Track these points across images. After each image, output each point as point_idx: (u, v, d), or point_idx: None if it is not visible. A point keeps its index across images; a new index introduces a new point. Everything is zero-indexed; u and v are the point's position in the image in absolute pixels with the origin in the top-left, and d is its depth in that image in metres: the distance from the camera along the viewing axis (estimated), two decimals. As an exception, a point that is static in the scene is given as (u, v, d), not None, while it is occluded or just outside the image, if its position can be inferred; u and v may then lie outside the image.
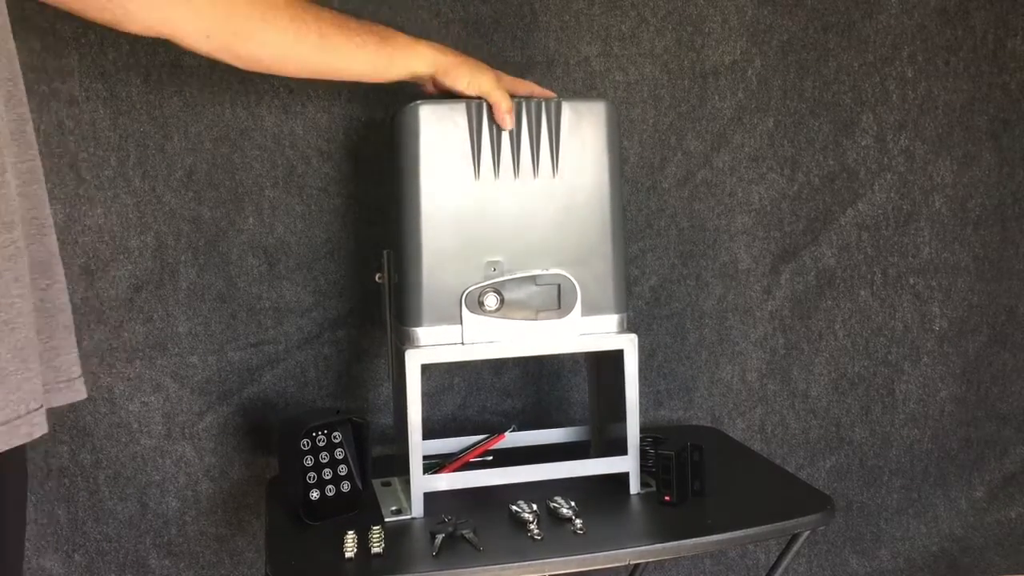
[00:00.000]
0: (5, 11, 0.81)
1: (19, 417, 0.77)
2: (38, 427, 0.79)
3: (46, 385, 0.85)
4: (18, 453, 0.82)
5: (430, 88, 1.14)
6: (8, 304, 0.77)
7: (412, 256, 1.09)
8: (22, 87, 0.84)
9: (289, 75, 1.10)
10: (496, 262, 1.10)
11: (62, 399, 0.88)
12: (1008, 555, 1.64)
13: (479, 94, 1.10)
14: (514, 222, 1.10)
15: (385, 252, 1.20)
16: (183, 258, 1.31)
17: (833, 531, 1.60)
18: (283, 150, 1.33)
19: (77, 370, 0.91)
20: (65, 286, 0.90)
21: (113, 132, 1.27)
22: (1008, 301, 1.60)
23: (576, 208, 1.11)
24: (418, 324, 1.09)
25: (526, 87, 1.17)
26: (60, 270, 0.89)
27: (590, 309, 1.11)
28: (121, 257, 1.29)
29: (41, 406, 0.80)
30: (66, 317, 0.90)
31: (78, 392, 0.91)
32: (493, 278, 1.09)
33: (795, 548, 1.11)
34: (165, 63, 1.27)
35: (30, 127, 0.85)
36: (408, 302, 1.10)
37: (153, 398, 1.33)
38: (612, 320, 1.13)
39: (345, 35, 1.07)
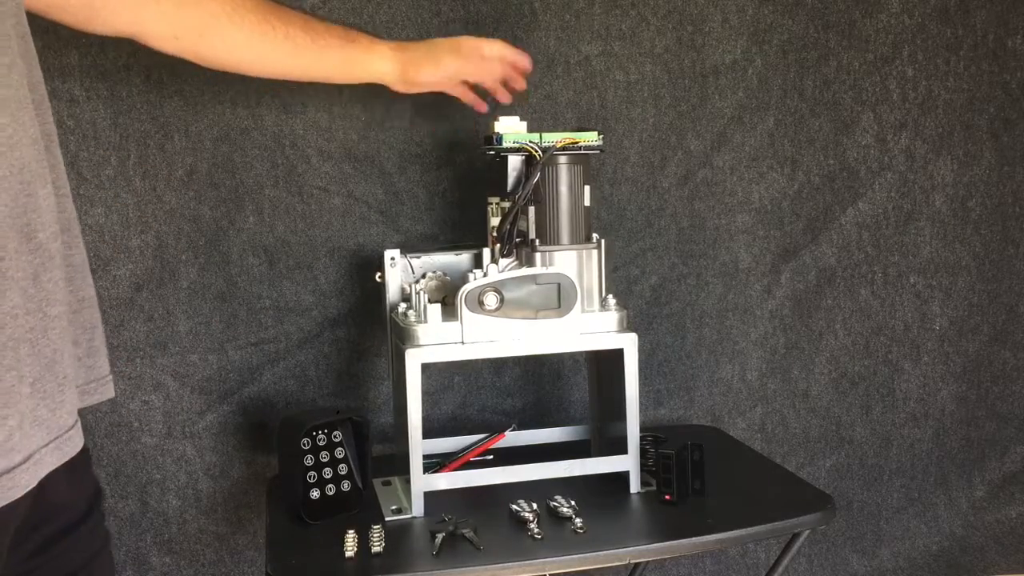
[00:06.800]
0: (25, 20, 0.77)
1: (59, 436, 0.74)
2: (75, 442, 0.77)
3: (81, 386, 0.82)
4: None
5: (399, 88, 1.16)
6: (44, 309, 0.73)
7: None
8: (45, 92, 0.80)
9: (255, 75, 1.11)
10: None
11: (94, 399, 0.85)
12: (1008, 554, 1.63)
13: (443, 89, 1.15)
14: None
15: (385, 251, 1.21)
16: (184, 257, 1.32)
17: (834, 530, 1.60)
18: (283, 150, 1.33)
19: (107, 368, 0.87)
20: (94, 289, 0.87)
21: (113, 132, 1.27)
22: (1009, 300, 1.60)
23: None
24: None
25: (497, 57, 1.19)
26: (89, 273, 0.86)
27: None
28: (122, 256, 1.30)
29: (76, 421, 0.77)
30: (97, 316, 0.86)
31: (108, 391, 0.87)
32: None
33: (795, 547, 1.11)
34: (165, 63, 1.27)
35: (55, 131, 0.81)
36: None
37: (154, 397, 1.33)
38: (612, 319, 1.13)
39: (310, 37, 1.07)
